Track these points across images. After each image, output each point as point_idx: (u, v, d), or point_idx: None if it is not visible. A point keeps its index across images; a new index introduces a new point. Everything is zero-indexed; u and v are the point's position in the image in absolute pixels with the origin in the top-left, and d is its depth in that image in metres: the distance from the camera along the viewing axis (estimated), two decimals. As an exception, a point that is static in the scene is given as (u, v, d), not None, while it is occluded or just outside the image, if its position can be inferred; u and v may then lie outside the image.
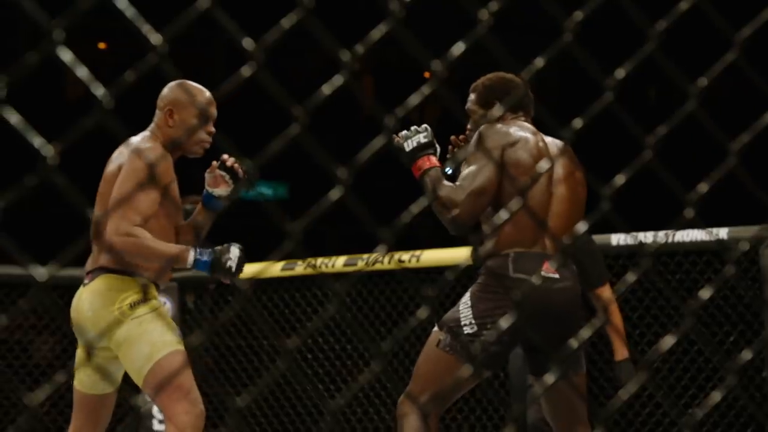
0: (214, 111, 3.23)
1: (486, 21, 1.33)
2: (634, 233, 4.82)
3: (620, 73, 1.38)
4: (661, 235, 4.83)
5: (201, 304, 5.91)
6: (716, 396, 1.84)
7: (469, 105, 3.34)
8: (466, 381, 3.14)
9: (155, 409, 5.68)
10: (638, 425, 5.06)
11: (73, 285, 3.26)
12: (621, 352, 4.05)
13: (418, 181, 3.20)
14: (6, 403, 5.77)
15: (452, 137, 3.44)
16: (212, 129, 3.21)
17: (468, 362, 3.06)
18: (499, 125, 3.17)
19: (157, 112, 3.21)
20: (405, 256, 5.08)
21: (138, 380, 3.08)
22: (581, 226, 1.49)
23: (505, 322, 3.01)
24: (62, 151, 1.23)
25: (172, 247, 3.08)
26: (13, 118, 1.24)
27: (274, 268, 5.45)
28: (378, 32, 1.34)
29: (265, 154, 1.37)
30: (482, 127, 3.18)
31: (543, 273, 3.08)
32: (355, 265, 5.24)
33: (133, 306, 3.08)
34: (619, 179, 1.39)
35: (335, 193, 1.30)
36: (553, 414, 3.24)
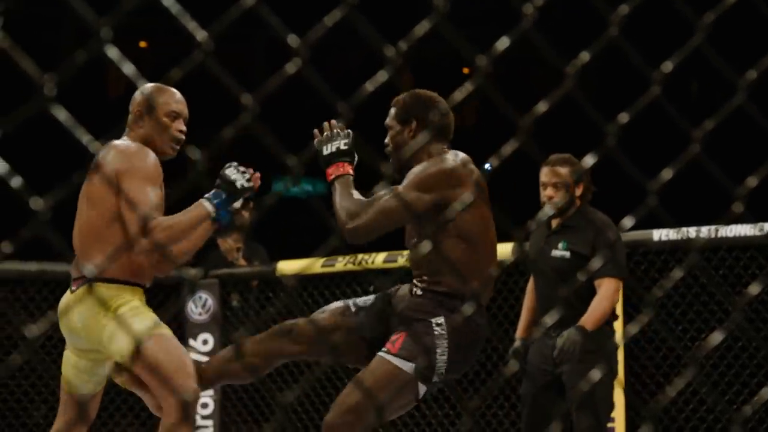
0: (183, 109, 3.27)
1: (530, 15, 1.32)
2: (680, 228, 4.78)
3: (667, 66, 1.37)
4: (705, 230, 4.78)
5: (246, 303, 5.93)
6: (766, 393, 1.82)
7: (387, 120, 3.27)
8: (394, 416, 3.19)
9: (199, 405, 5.72)
10: (681, 422, 5.03)
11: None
12: (583, 320, 4.05)
13: (329, 184, 3.17)
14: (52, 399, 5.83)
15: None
16: (182, 127, 3.25)
17: (428, 394, 3.07)
18: (444, 162, 3.09)
19: (129, 116, 3.27)
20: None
21: (129, 364, 3.09)
22: (627, 221, 1.46)
23: (459, 361, 3.06)
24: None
25: (190, 212, 3.10)
26: (62, 115, 1.25)
27: (316, 265, 5.46)
28: (422, 28, 1.34)
29: (309, 150, 1.38)
30: (433, 162, 3.11)
31: (482, 317, 3.13)
32: (396, 261, 5.24)
33: (116, 309, 3.11)
34: (666, 174, 1.38)
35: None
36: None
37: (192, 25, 1.34)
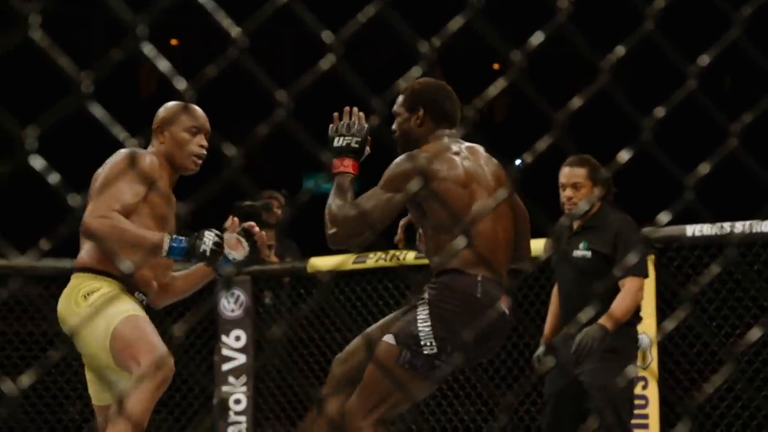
0: (204, 125, 3.29)
1: (565, 9, 1.32)
2: (715, 224, 4.75)
3: (704, 59, 1.36)
4: (740, 226, 4.75)
5: (278, 300, 5.95)
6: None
7: (395, 108, 3.29)
8: (417, 398, 3.20)
9: (231, 401, 5.75)
10: (716, 418, 4.99)
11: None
12: (603, 319, 4.07)
13: (333, 177, 3.19)
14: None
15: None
16: (204, 143, 3.28)
17: (429, 381, 3.06)
18: (420, 157, 3.13)
19: (152, 134, 3.31)
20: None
21: (106, 357, 3.07)
22: (664, 217, 1.45)
23: (462, 344, 3.03)
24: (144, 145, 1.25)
25: (147, 233, 3.07)
26: (99, 112, 1.26)
27: (348, 261, 5.47)
28: (456, 23, 1.34)
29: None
30: (402, 157, 3.15)
31: (501, 306, 3.10)
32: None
33: (86, 296, 3.12)
34: (703, 168, 1.37)
35: (414, 185, 1.29)
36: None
37: (227, 22, 1.35)
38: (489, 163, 3.24)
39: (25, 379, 1.41)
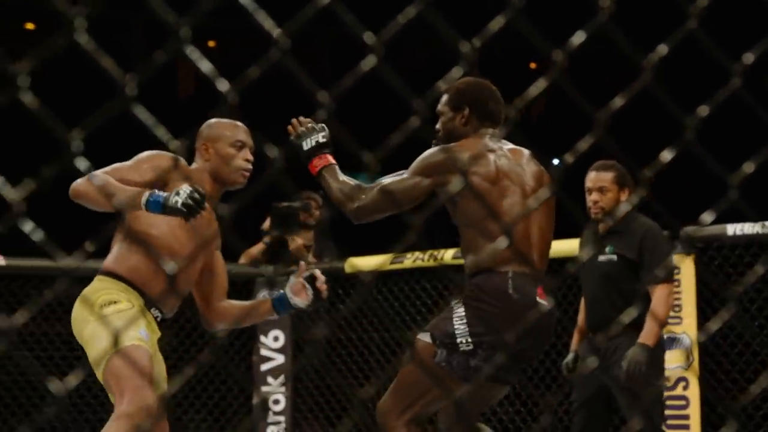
0: (248, 139, 3.29)
1: (607, 8, 1.31)
2: (757, 222, 4.71)
3: (748, 58, 1.35)
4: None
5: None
6: None
7: (440, 107, 3.32)
8: (452, 397, 3.16)
9: (270, 401, 5.77)
10: (759, 419, 4.95)
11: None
12: (643, 337, 4.08)
13: (315, 177, 3.25)
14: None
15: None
16: (249, 157, 3.28)
17: (463, 379, 3.06)
18: (451, 149, 3.17)
19: (196, 151, 3.30)
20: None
21: (98, 372, 3.08)
22: (708, 216, 1.43)
23: (499, 342, 3.03)
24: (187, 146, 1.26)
25: (128, 188, 3.02)
26: (143, 114, 1.27)
27: (386, 261, 5.47)
28: (497, 23, 1.34)
29: (386, 146, 1.39)
30: (436, 148, 3.20)
31: (537, 299, 3.10)
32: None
33: (104, 305, 3.11)
34: (748, 167, 1.36)
35: (456, 185, 1.29)
36: (462, 419, 3.24)
37: (268, 23, 1.36)
38: (530, 164, 3.25)
39: (73, 379, 1.42)
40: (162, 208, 2.92)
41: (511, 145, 3.27)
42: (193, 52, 1.31)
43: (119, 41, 12.94)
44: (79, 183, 3.02)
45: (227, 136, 3.27)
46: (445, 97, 3.30)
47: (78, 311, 3.15)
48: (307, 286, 3.26)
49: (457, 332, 3.05)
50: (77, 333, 3.16)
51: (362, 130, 3.12)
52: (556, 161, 3.39)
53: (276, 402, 5.77)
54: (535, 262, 3.15)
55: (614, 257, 4.22)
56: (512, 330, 3.04)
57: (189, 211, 2.91)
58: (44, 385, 5.75)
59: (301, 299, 3.25)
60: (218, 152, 3.26)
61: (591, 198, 4.27)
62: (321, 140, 3.24)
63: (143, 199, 2.94)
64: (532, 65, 13.79)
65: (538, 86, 1.36)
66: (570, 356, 4.44)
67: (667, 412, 4.76)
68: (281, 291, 3.29)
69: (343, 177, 3.20)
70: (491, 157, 3.17)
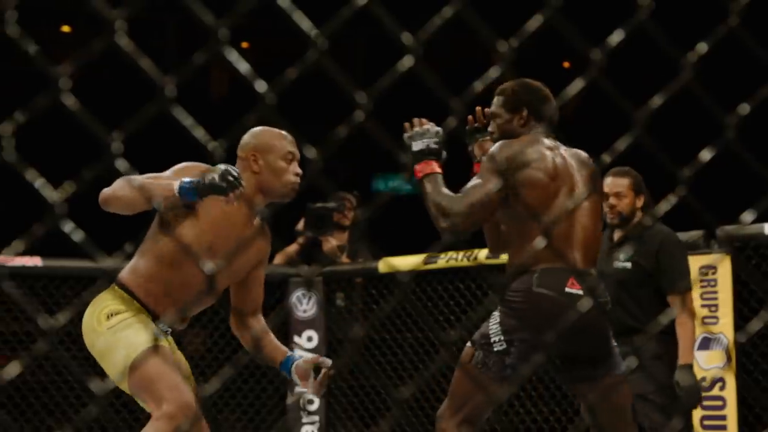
0: (296, 151, 3.19)
1: (646, 7, 1.30)
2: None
3: (790, 55, 1.34)
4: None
5: (350, 301, 5.97)
6: None
7: (494, 109, 3.31)
8: (496, 398, 3.21)
9: (305, 401, 5.78)
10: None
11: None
12: (683, 358, 4.09)
13: (416, 181, 3.17)
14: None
15: (477, 108, 3.37)
16: (299, 170, 3.17)
17: (498, 380, 3.09)
18: (515, 144, 3.16)
19: (239, 161, 3.17)
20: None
21: (123, 384, 3.02)
22: (748, 216, 1.43)
23: (531, 339, 3.04)
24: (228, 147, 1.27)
25: (161, 182, 2.92)
26: (182, 115, 1.28)
27: (418, 262, 5.47)
28: (535, 22, 1.33)
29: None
30: (498, 144, 3.17)
31: (566, 289, 3.08)
32: (498, 257, 5.21)
33: (109, 316, 3.06)
34: (790, 165, 1.34)
35: (494, 185, 1.28)
36: (593, 421, 3.24)
37: (306, 24, 1.36)
38: (585, 166, 3.25)
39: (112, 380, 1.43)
40: (195, 190, 2.85)
41: (565, 147, 3.28)
42: (230, 53, 1.31)
43: (152, 43, 13.01)
44: (111, 187, 2.94)
45: (278, 148, 3.16)
46: (499, 99, 3.31)
47: (87, 322, 3.10)
48: (312, 373, 3.21)
49: (491, 332, 3.08)
50: (89, 344, 3.10)
51: (398, 131, 3.10)
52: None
53: (310, 402, 5.79)
54: (576, 261, 3.14)
55: (628, 264, 4.20)
56: (546, 326, 3.02)
57: (228, 185, 2.84)
58: (81, 385, 5.79)
59: (301, 384, 3.21)
60: (269, 164, 3.14)
61: (607, 203, 4.24)
62: (432, 145, 3.16)
63: (176, 186, 2.87)
64: (566, 64, 13.73)
65: (576, 85, 1.35)
66: None
67: (704, 412, 4.73)
68: (293, 357, 3.23)
69: (443, 189, 3.13)
70: (549, 153, 3.18)
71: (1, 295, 5.72)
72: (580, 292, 3.11)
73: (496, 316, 3.11)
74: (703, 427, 4.74)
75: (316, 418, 5.78)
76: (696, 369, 4.67)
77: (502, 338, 3.06)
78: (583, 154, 3.28)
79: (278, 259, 6.13)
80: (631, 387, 4.10)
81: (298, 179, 3.19)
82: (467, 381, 3.12)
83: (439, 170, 3.18)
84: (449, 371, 5.50)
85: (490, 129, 3.35)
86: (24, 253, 5.56)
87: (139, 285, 3.09)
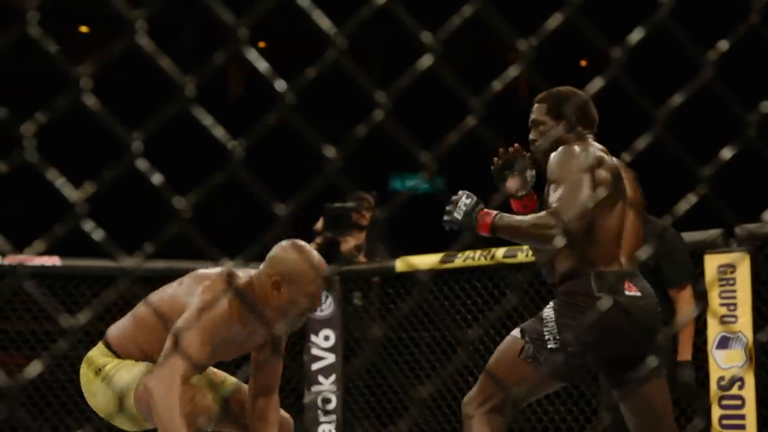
0: (323, 290, 3.11)
1: (666, 4, 1.30)
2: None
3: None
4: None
5: (367, 300, 5.97)
6: None
7: (536, 116, 3.32)
8: (539, 391, 3.22)
9: (321, 400, 5.79)
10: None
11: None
12: (683, 354, 4.11)
13: (493, 235, 3.13)
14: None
15: (500, 150, 3.39)
16: (318, 305, 3.10)
17: (549, 375, 3.11)
18: (578, 147, 3.15)
19: (264, 268, 3.06)
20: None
21: (135, 424, 3.09)
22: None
23: (593, 341, 3.07)
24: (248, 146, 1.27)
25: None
26: (202, 115, 1.28)
27: (436, 261, 5.46)
28: (555, 20, 1.33)
29: (443, 146, 1.38)
30: (563, 149, 3.14)
31: (627, 292, 3.12)
32: (515, 257, 5.20)
33: (98, 371, 3.13)
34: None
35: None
36: (635, 422, 3.25)
37: (325, 23, 1.36)
38: (628, 170, 3.30)
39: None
40: None
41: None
42: (250, 53, 1.31)
43: (170, 43, 13.04)
44: (166, 403, 2.87)
45: (306, 285, 3.03)
46: (542, 107, 3.33)
47: (83, 382, 3.19)
48: None
49: (546, 330, 3.12)
50: (89, 401, 3.17)
51: (417, 130, 3.10)
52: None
53: (327, 401, 5.79)
54: (624, 263, 3.17)
55: None
56: (612, 329, 3.09)
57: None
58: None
59: None
60: (291, 296, 3.03)
61: None
62: (468, 202, 3.12)
63: None
64: (583, 63, 13.69)
65: (595, 84, 1.35)
66: None
67: (723, 412, 4.71)
68: None
69: (518, 218, 3.09)
70: (608, 158, 3.20)
71: (21, 294, 5.74)
72: (639, 294, 3.15)
73: (551, 315, 3.12)
74: (722, 426, 4.72)
75: (334, 417, 5.79)
76: (714, 368, 4.66)
77: (557, 338, 3.09)
78: (616, 159, 3.28)
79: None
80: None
81: (312, 313, 3.24)
82: (508, 371, 3.14)
83: (493, 213, 3.11)
84: (467, 370, 5.50)
85: (532, 137, 3.34)
86: (44, 253, 5.59)
87: (124, 348, 3.14)
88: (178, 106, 1.24)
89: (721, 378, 4.64)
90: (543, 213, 3.06)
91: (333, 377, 5.77)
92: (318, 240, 6.08)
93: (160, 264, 5.43)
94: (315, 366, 5.80)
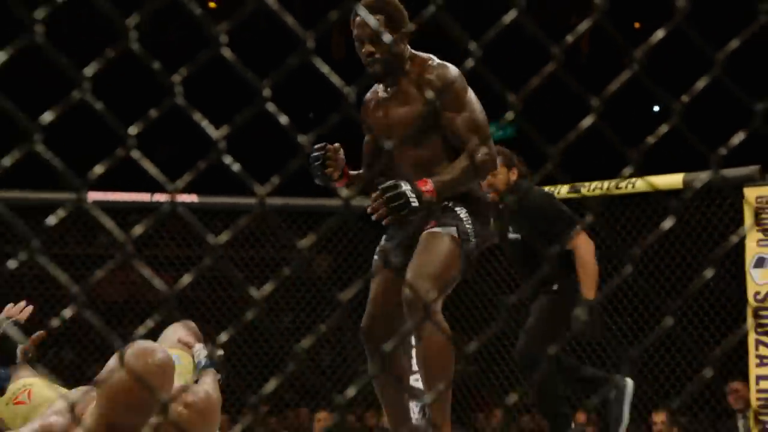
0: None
1: (683, 7, 1.22)
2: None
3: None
4: None
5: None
6: None
7: (374, 27, 2.79)
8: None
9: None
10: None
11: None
12: (584, 293, 3.90)
13: (438, 195, 2.83)
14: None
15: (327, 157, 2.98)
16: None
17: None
18: (451, 66, 2.91)
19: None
20: (622, 183, 4.90)
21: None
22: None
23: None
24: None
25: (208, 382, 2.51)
26: (320, 64, 1.23)
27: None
28: (585, 25, 1.26)
29: (527, 87, 1.32)
30: (447, 68, 2.89)
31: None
32: (579, 192, 5.09)
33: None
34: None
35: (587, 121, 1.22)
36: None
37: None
38: None
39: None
40: None
41: None
42: (317, 60, 1.28)
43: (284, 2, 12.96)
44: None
45: None
46: (378, 18, 2.79)
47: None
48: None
49: (468, 229, 2.95)
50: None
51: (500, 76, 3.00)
52: (656, 108, 3.26)
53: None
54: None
55: (518, 236, 4.07)
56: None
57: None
58: (240, 289, 5.89)
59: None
60: None
61: (485, 182, 4.01)
62: (411, 188, 2.78)
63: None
64: (636, 24, 13.22)
65: (618, 81, 1.28)
66: None
67: (759, 320, 4.65)
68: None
69: (451, 174, 2.85)
70: None
71: (167, 225, 5.88)
72: None
73: (465, 215, 2.95)
74: (758, 333, 4.66)
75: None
76: (752, 284, 4.57)
77: (474, 233, 2.96)
78: None
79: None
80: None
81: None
82: (447, 258, 2.90)
83: (425, 180, 2.81)
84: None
85: (370, 49, 2.78)
86: (183, 191, 5.70)
87: None
88: (300, 57, 1.20)
89: (757, 293, 4.57)
90: (468, 149, 2.84)
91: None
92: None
93: (277, 201, 5.54)
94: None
